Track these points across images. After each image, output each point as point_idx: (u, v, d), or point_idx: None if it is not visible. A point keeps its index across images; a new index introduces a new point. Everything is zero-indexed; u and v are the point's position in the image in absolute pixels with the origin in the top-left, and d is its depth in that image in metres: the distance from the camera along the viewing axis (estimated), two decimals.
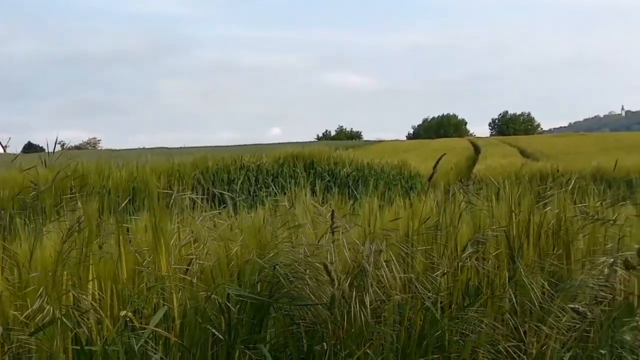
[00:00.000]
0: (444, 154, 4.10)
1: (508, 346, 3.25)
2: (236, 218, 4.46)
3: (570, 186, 3.90)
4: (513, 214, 3.78)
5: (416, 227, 3.77)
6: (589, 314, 2.83)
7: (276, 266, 3.39)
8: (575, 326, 3.25)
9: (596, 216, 3.75)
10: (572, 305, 2.84)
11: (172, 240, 3.54)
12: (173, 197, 4.11)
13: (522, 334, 3.30)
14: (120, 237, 3.40)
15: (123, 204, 3.82)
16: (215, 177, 17.49)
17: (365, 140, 79.92)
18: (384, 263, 3.30)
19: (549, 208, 3.79)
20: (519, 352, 3.26)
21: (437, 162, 3.85)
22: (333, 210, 3.68)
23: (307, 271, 3.34)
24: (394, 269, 3.36)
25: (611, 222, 3.76)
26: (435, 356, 3.36)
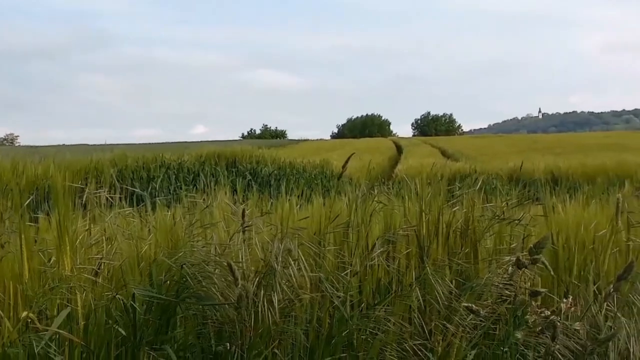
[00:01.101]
0: (353, 154, 4.13)
1: (414, 344, 3.29)
2: (154, 217, 4.39)
3: (478, 186, 3.98)
4: (423, 214, 3.83)
5: (328, 226, 3.78)
6: (482, 312, 2.88)
7: (184, 265, 3.34)
8: (481, 324, 3.31)
9: (502, 216, 3.84)
10: (466, 304, 2.89)
11: (80, 239, 3.46)
12: (85, 195, 4.02)
13: (428, 332, 3.34)
14: (23, 236, 3.29)
15: (27, 201, 3.71)
16: (135, 175, 17.19)
17: (290, 139, 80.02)
18: (292, 262, 3.29)
19: (457, 208, 3.86)
20: (424, 351, 3.30)
21: (347, 161, 3.88)
22: (244, 209, 3.66)
23: (217, 270, 3.31)
24: (302, 268, 3.36)
25: (517, 221, 3.85)
26: (344, 355, 3.38)
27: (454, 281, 3.58)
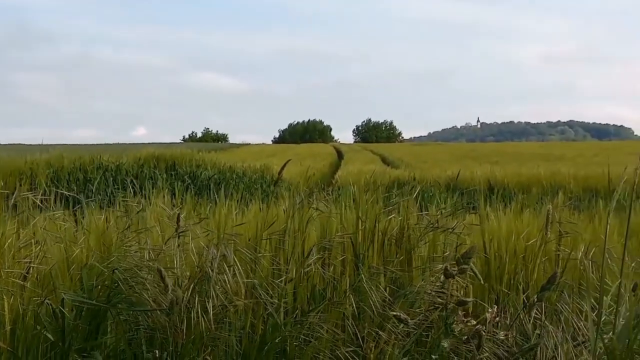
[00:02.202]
0: (289, 160, 4.12)
1: (347, 351, 3.29)
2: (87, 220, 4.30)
3: (415, 194, 4.02)
4: (360, 221, 3.85)
5: (264, 232, 3.77)
6: (410, 321, 2.91)
7: (116, 270, 3.29)
8: (413, 331, 3.34)
9: (436, 224, 3.88)
10: (395, 313, 2.91)
11: (8, 242, 3.38)
12: (14, 197, 3.93)
13: (361, 339, 3.36)
14: None
15: None
16: (71, 176, 16.85)
17: (231, 143, 79.76)
18: (227, 268, 3.27)
19: (392, 215, 3.90)
20: (357, 358, 3.31)
21: (282, 167, 3.89)
22: (179, 214, 3.62)
23: (149, 276, 3.27)
24: (237, 275, 3.34)
25: (450, 230, 3.90)
26: None
27: (388, 288, 3.61)
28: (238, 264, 3.40)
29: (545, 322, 3.41)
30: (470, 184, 20.94)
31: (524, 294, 3.72)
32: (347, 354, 3.28)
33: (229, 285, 3.30)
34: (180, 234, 3.58)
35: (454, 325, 2.69)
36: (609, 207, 3.04)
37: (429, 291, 3.38)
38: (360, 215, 3.84)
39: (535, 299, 2.98)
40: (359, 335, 3.38)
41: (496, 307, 2.77)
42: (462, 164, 30.31)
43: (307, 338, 3.35)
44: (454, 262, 2.94)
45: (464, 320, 2.66)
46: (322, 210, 4.02)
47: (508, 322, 3.40)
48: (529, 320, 3.35)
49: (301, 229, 3.85)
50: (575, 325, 3.33)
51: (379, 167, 32.75)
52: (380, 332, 3.25)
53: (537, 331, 3.46)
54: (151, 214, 4.03)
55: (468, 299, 2.81)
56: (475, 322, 2.63)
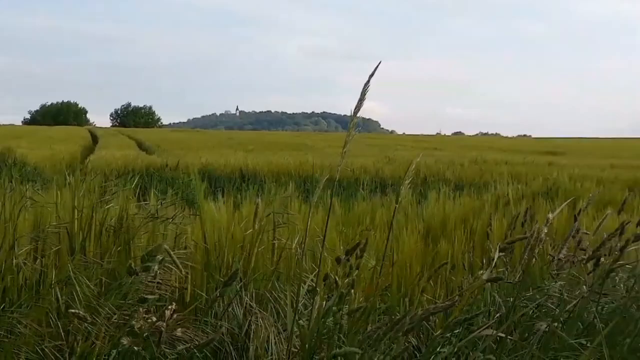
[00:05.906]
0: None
1: (51, 347, 3.15)
2: None
3: (134, 184, 3.95)
4: (76, 210, 3.72)
5: None
6: (89, 318, 2.85)
7: None
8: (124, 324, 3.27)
9: (156, 214, 3.85)
10: (73, 311, 2.84)
11: None
12: None
13: (66, 333, 3.23)
14: None
15: None
16: None
17: None
18: None
19: (111, 205, 3.80)
20: (63, 354, 3.18)
21: None
22: None
23: None
24: None
25: (170, 220, 3.88)
26: None
27: (103, 280, 3.51)
28: None
29: (257, 309, 3.52)
30: (224, 171, 21.08)
31: (241, 282, 3.78)
32: (50, 350, 3.14)
33: None
34: None
35: (133, 322, 2.66)
36: (315, 198, 3.19)
37: (144, 281, 3.33)
38: (76, 204, 3.70)
39: (217, 294, 3.06)
40: (62, 330, 3.24)
41: (174, 304, 2.79)
42: (218, 151, 30.46)
43: (6, 334, 3.16)
44: (180, 250, 2.92)
45: (144, 317, 2.65)
46: (34, 199, 3.82)
47: (221, 311, 3.47)
48: (241, 309, 3.43)
49: (12, 218, 3.63)
50: (284, 313, 3.47)
51: (134, 152, 31.91)
52: (89, 326, 3.13)
53: (252, 318, 3.56)
54: None
55: (150, 297, 2.80)
56: (155, 319, 2.63)
